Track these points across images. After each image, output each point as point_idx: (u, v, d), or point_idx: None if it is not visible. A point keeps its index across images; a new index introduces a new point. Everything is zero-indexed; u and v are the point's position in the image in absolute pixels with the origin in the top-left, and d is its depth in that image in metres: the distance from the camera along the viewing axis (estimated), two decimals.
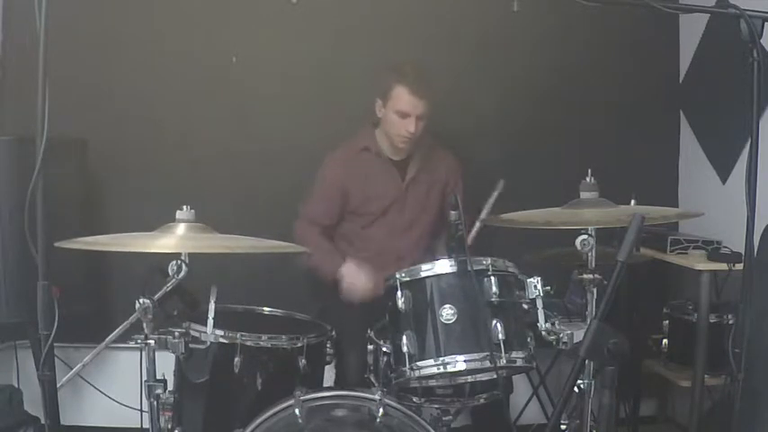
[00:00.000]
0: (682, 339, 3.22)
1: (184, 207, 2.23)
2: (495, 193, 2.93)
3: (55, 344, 1.99)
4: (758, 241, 2.32)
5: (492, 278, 2.19)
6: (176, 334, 2.13)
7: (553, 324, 2.25)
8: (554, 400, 3.50)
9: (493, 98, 3.59)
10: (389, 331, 2.32)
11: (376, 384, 2.38)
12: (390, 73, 2.95)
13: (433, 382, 2.32)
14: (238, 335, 2.31)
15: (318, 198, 3.05)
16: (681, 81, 3.80)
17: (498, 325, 2.14)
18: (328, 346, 2.56)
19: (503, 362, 2.13)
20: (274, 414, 2.13)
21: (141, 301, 2.07)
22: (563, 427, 2.31)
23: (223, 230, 2.27)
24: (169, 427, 2.15)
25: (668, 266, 3.30)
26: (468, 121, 3.57)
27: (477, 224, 2.85)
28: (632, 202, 2.60)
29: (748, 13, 2.00)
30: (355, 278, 2.84)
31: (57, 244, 2.07)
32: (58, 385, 2.06)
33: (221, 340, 2.30)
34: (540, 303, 2.23)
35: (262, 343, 2.36)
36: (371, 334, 2.49)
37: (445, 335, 2.17)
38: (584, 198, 2.42)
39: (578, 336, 2.18)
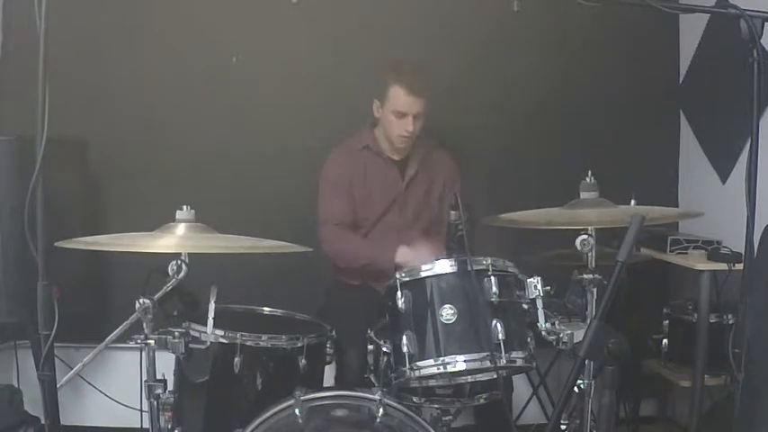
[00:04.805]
0: (682, 339, 3.22)
1: (184, 207, 2.23)
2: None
3: (55, 344, 1.99)
4: (758, 241, 2.32)
5: (492, 278, 2.19)
6: (176, 334, 2.14)
7: (553, 324, 2.25)
8: (554, 400, 3.51)
9: (493, 98, 3.59)
10: (389, 331, 2.32)
11: (376, 384, 2.38)
12: (387, 72, 2.95)
13: (433, 382, 2.32)
14: (238, 335, 2.31)
15: (328, 197, 3.02)
16: (681, 81, 3.80)
17: (498, 325, 2.14)
18: (328, 346, 2.55)
19: (503, 362, 2.13)
20: (274, 414, 2.13)
21: (141, 301, 2.07)
22: (563, 427, 2.31)
23: (223, 230, 2.27)
24: (169, 427, 2.15)
25: (668, 266, 3.30)
26: (469, 121, 3.57)
27: None
28: (632, 202, 2.60)
29: (748, 13, 2.00)
30: (417, 259, 2.74)
31: (57, 244, 2.07)
32: (58, 385, 2.06)
33: (221, 340, 2.30)
34: (540, 303, 2.22)
35: (262, 343, 2.36)
36: (371, 334, 2.49)
37: (445, 335, 2.17)
38: (584, 198, 2.42)
39: (578, 336, 2.18)
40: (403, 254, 2.81)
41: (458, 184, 3.12)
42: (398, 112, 2.92)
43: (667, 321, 3.30)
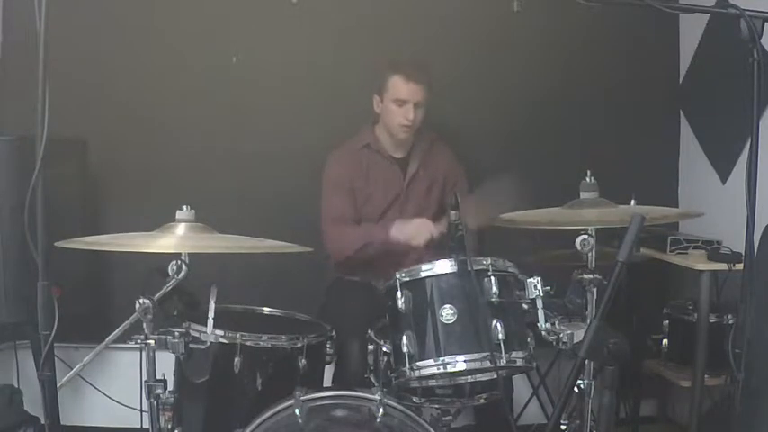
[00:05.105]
0: (682, 339, 3.22)
1: (184, 207, 2.23)
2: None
3: (55, 344, 1.99)
4: (758, 241, 2.32)
5: (492, 278, 2.19)
6: (176, 334, 2.14)
7: (553, 324, 2.25)
8: (554, 400, 3.51)
9: (493, 98, 3.59)
10: (389, 331, 2.32)
11: (376, 384, 2.38)
12: (386, 66, 2.99)
13: (432, 382, 2.32)
14: (238, 335, 2.31)
15: (330, 197, 3.04)
16: (681, 81, 3.80)
17: (498, 325, 2.14)
18: (328, 346, 2.56)
19: (503, 362, 2.13)
20: (274, 414, 2.13)
21: (141, 301, 2.07)
22: (563, 427, 2.31)
23: (223, 230, 2.27)
24: (169, 427, 2.15)
25: (668, 266, 3.30)
26: (469, 121, 3.57)
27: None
28: (632, 202, 2.61)
29: (748, 13, 2.00)
30: (411, 231, 2.84)
31: (57, 244, 2.07)
32: (57, 385, 2.06)
33: (221, 340, 2.30)
34: (540, 303, 2.22)
35: (262, 343, 2.36)
36: (371, 334, 2.49)
37: (445, 335, 2.17)
38: (584, 198, 2.42)
39: (578, 336, 2.18)
40: (398, 227, 2.85)
41: (459, 183, 3.12)
42: (399, 100, 2.93)
43: (667, 321, 3.29)
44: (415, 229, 2.84)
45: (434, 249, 2.90)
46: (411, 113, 2.92)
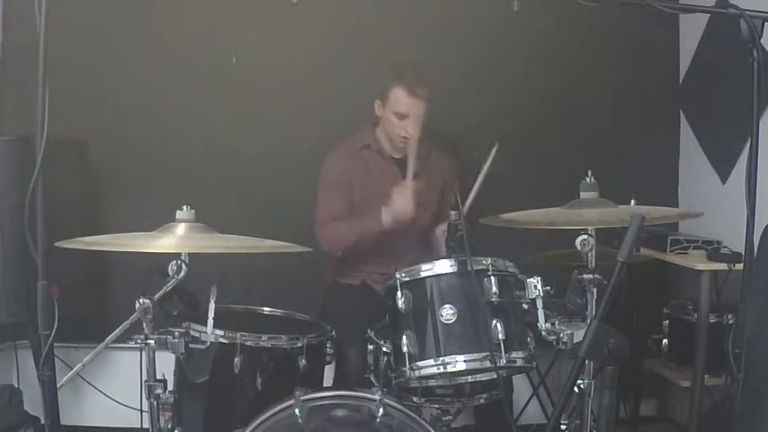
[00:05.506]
0: (682, 339, 3.22)
1: (184, 207, 2.24)
2: (491, 156, 2.84)
3: (55, 344, 1.99)
4: (758, 241, 2.32)
5: (492, 278, 2.19)
6: (176, 334, 2.14)
7: (553, 324, 2.25)
8: (554, 400, 3.51)
9: (493, 98, 3.59)
10: (389, 331, 2.32)
11: (376, 384, 2.38)
12: (389, 74, 2.97)
13: (433, 382, 2.32)
14: (238, 335, 2.31)
15: (326, 197, 3.04)
16: (681, 81, 3.81)
17: (498, 325, 2.14)
18: (328, 346, 2.55)
19: (503, 362, 2.13)
20: (274, 414, 2.13)
21: (141, 301, 2.07)
22: (563, 427, 2.31)
23: (223, 230, 2.27)
24: (169, 427, 2.15)
25: (668, 266, 3.30)
26: (469, 121, 3.57)
27: (476, 187, 2.77)
28: (632, 202, 2.61)
29: (748, 13, 2.00)
30: (398, 205, 2.83)
31: (57, 244, 2.07)
32: (57, 385, 2.06)
33: (221, 340, 2.30)
34: (540, 303, 2.22)
35: (262, 343, 2.36)
36: (371, 334, 2.49)
37: (445, 335, 2.17)
38: (584, 198, 2.42)
39: (578, 336, 2.18)
40: (386, 211, 2.84)
41: (456, 184, 3.12)
42: (399, 114, 2.93)
43: (667, 321, 3.30)
44: (400, 202, 2.82)
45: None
46: (411, 127, 2.93)
